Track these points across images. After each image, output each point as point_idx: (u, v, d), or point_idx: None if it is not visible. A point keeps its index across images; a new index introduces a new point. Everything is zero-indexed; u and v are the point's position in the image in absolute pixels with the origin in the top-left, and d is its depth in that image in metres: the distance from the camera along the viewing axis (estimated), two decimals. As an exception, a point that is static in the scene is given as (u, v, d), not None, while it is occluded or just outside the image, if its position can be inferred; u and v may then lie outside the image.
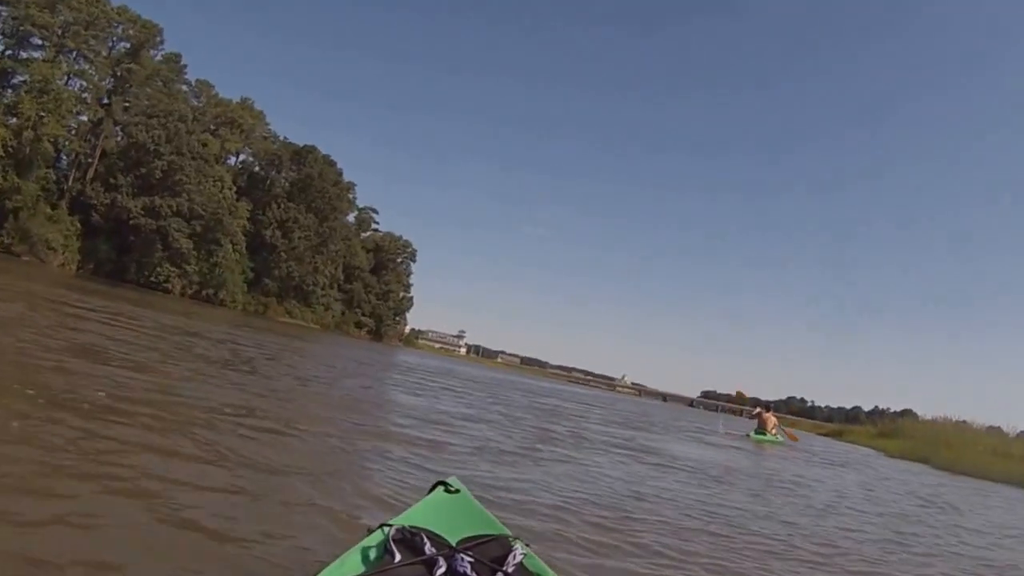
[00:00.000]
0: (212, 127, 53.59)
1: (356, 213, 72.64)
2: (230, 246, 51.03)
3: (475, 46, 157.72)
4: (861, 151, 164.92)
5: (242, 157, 59.36)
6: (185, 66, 51.89)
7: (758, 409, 20.22)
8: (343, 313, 67.56)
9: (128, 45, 46.87)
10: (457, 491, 2.40)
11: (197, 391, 6.22)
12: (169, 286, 47.10)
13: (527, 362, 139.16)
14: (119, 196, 45.26)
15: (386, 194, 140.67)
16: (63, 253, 41.96)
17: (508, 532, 2.13)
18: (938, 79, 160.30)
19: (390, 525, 1.96)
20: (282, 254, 57.73)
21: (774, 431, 19.35)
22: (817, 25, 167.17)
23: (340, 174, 65.04)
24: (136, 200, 45.69)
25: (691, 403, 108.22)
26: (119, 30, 46.27)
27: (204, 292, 49.21)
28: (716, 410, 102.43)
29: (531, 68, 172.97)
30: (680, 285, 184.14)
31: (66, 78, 42.24)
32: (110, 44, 46.02)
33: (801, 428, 48.55)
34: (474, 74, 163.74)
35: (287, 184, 59.52)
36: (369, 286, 71.90)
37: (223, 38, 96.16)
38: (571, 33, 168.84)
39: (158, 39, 48.45)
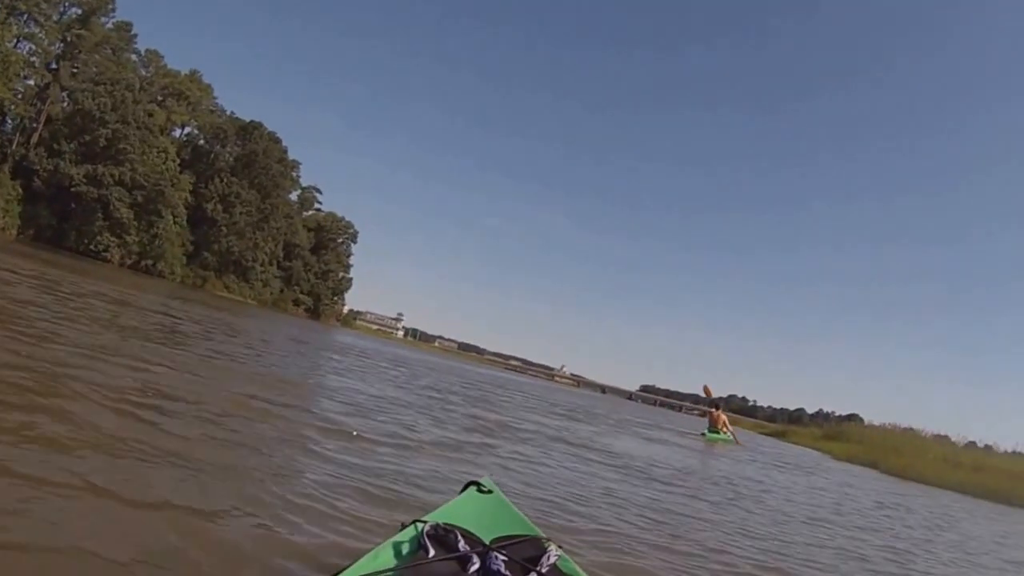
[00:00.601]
0: (159, 98, 55.04)
1: (299, 192, 74.59)
2: (171, 218, 52.74)
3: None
4: (797, 177, 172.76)
5: (187, 130, 60.89)
6: (135, 35, 53.23)
7: (713, 408, 20.83)
8: (281, 290, 69.65)
9: (79, 11, 48.02)
10: (490, 491, 2.44)
11: (104, 362, 5.77)
12: (108, 255, 48.70)
13: (464, 348, 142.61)
14: (62, 163, 46.62)
15: (338, 174, 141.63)
16: (3, 217, 43.27)
17: (542, 534, 2.16)
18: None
19: (424, 521, 2.01)
20: (223, 228, 59.44)
21: (725, 430, 19.98)
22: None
23: (285, 152, 66.88)
24: (79, 167, 47.07)
25: (630, 396, 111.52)
26: (71, -6, 47.53)
27: (143, 263, 50.95)
28: (654, 404, 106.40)
29: (491, 65, 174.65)
30: (625, 282, 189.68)
31: (15, 40, 43.41)
32: (61, 9, 47.16)
33: (743, 427, 47.85)
34: (434, 61, 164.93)
35: (231, 159, 61.16)
36: (309, 265, 73.90)
37: (177, 8, 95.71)
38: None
39: (110, 7, 49.67)
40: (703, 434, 19.49)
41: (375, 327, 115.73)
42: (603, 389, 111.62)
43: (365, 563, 1.80)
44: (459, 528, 1.98)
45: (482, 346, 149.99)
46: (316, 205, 78.29)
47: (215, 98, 61.41)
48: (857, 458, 26.95)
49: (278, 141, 65.46)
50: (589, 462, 7.56)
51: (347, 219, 79.72)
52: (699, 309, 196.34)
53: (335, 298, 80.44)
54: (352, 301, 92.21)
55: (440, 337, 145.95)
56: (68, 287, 14.08)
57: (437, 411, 9.05)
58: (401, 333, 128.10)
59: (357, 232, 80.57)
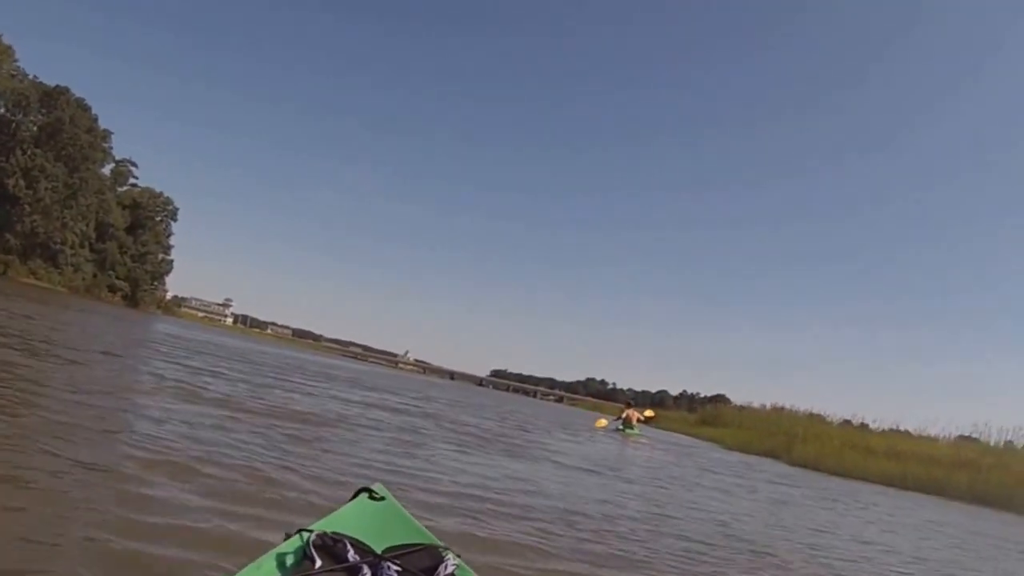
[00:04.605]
0: (-53, 60, 53.02)
1: (112, 165, 73.15)
2: (-34, 197, 51.21)
3: None
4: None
5: (-16, 98, 58.50)
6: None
7: (625, 406, 24.82)
8: (95, 276, 68.73)
9: None
10: (383, 498, 2.43)
11: None
12: None
13: (299, 334, 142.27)
14: None
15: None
16: None
17: (439, 542, 2.17)
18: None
19: (310, 530, 2.01)
20: (26, 207, 58.19)
21: (638, 425, 23.61)
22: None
23: (95, 120, 66.08)
24: None
25: (481, 382, 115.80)
26: None
27: (-64, 249, 49.33)
28: (507, 389, 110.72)
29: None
30: (470, 263, 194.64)
31: None
32: None
33: (605, 411, 48.45)
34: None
35: (34, 129, 59.61)
36: (124, 246, 72.89)
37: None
38: None
39: None
40: (619, 429, 22.94)
41: (201, 314, 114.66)
42: (452, 375, 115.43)
43: (245, 575, 1.83)
44: (348, 537, 2.00)
45: (319, 332, 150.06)
46: (131, 180, 76.62)
47: (16, 61, 59.26)
48: (752, 447, 27.30)
49: (87, 108, 64.38)
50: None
51: (166, 194, 79.00)
52: (548, 292, 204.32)
53: (155, 283, 79.58)
54: (175, 286, 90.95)
55: (273, 323, 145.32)
56: None
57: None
58: (230, 320, 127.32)
59: (177, 209, 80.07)
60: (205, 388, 9.52)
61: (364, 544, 2.00)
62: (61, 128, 60.76)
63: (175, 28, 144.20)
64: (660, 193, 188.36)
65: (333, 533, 2.00)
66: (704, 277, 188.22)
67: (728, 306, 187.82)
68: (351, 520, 2.24)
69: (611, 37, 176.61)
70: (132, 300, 73.11)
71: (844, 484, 18.49)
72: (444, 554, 2.03)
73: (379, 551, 1.97)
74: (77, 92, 63.24)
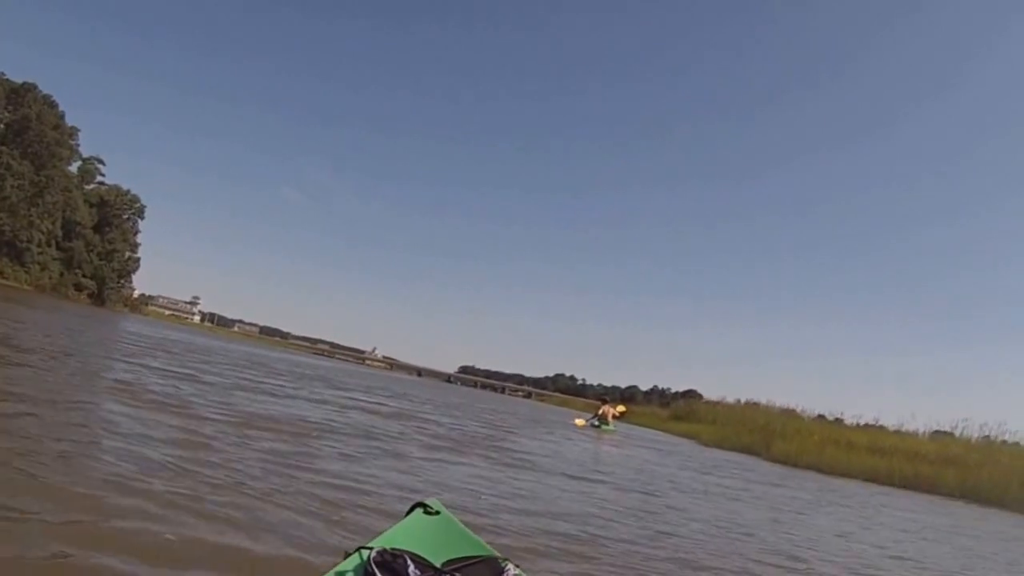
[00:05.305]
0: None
1: (80, 163, 72.95)
2: (-69, 196, 51.12)
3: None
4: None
5: (-52, 95, 58.29)
6: None
7: (600, 402, 26.29)
8: (61, 274, 68.58)
9: None
10: (437, 512, 2.46)
11: None
12: None
13: (267, 332, 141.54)
14: None
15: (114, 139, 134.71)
16: None
17: (496, 553, 2.19)
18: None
19: (369, 547, 2.04)
20: (-8, 205, 57.93)
21: (613, 421, 24.79)
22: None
23: (61, 117, 66.04)
24: None
25: (449, 379, 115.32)
26: None
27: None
28: (475, 386, 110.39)
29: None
30: (437, 259, 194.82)
31: None
32: None
33: (575, 407, 50.01)
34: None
35: (1, 126, 59.48)
36: (91, 244, 72.69)
37: None
38: None
39: None
40: (596, 425, 23.93)
41: (168, 312, 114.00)
42: (419, 372, 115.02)
43: None
44: (408, 552, 2.01)
45: (286, 329, 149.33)
46: (99, 178, 76.49)
47: (-18, 58, 59.07)
48: (729, 443, 27.03)
49: (54, 105, 64.40)
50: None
51: (133, 192, 78.87)
52: (515, 288, 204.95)
53: (122, 281, 79.28)
54: (143, 285, 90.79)
55: (240, 321, 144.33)
56: None
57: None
58: (197, 318, 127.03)
59: (144, 207, 79.86)
60: (160, 391, 8.73)
61: (424, 558, 2.04)
62: (28, 125, 60.68)
63: (130, 26, 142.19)
64: (633, 189, 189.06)
65: (392, 549, 2.04)
66: (680, 272, 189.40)
67: (699, 301, 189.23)
68: (408, 535, 2.28)
69: (595, 28, 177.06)
70: (99, 298, 72.91)
71: (832, 482, 18.14)
72: (503, 565, 2.07)
73: (438, 565, 2.03)
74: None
